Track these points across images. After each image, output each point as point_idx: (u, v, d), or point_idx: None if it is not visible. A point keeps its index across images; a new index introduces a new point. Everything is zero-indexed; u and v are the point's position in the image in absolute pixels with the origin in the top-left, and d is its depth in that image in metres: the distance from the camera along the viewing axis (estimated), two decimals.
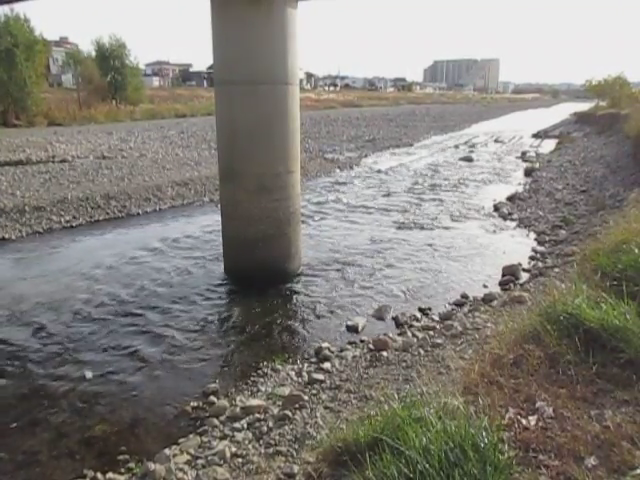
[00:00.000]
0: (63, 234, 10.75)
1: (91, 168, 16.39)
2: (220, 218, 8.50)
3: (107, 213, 12.14)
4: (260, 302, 7.26)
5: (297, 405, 4.49)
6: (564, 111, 58.44)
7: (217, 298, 7.57)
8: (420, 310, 6.99)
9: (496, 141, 30.87)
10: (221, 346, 6.14)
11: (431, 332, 6.06)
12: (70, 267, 8.78)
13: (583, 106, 48.35)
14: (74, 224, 11.32)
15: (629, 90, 32.91)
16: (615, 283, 3.64)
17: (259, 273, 7.78)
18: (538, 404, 2.54)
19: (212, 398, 4.89)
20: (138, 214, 12.35)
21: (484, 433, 2.20)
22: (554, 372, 2.58)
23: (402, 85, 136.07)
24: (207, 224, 11.35)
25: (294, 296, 7.64)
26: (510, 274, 8.12)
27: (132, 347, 6.05)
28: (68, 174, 15.43)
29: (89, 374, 5.41)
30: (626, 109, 23.61)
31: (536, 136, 33.15)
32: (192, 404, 4.84)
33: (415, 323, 6.53)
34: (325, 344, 5.94)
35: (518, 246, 9.89)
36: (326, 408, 4.34)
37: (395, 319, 6.71)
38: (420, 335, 6.00)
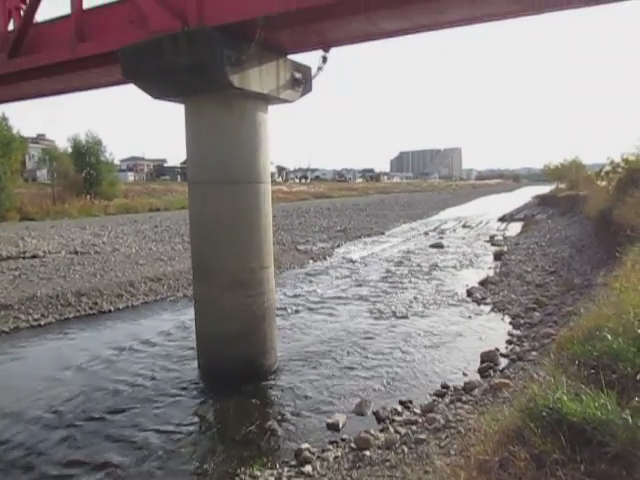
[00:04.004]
0: (31, 334, 10.40)
1: (63, 264, 16.22)
2: (194, 314, 8.37)
3: (78, 310, 11.84)
4: (236, 401, 7.01)
5: None
6: (526, 194, 61.08)
7: (191, 398, 7.29)
8: (401, 403, 6.83)
9: (464, 226, 31.81)
10: (196, 452, 5.83)
11: (414, 427, 5.90)
12: (35, 370, 8.42)
13: (544, 189, 50.62)
14: (43, 323, 10.99)
15: (585, 172, 34.64)
16: (593, 372, 3.65)
17: (234, 370, 7.57)
18: None
19: None
20: (110, 311, 12.08)
21: None
22: (542, 475, 2.50)
23: (370, 176, 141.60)
24: (180, 320, 11.14)
25: (271, 394, 7.40)
26: (489, 360, 8.09)
27: (101, 457, 5.70)
28: (39, 270, 15.23)
29: None
30: (584, 190, 24.71)
31: (502, 220, 34.33)
32: None
33: (397, 417, 6.36)
34: (305, 445, 5.71)
35: (494, 331, 9.93)
36: None
37: (376, 414, 6.52)
38: (402, 431, 5.83)
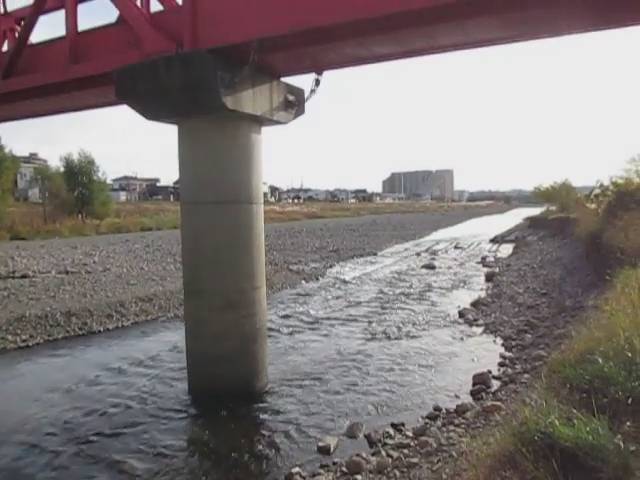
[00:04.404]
0: (18, 355, 10.25)
1: (52, 284, 16.08)
2: (184, 335, 8.30)
3: (67, 331, 11.69)
4: (226, 424, 6.91)
5: None
6: (517, 216, 61.42)
7: (181, 420, 7.18)
8: (393, 426, 6.75)
9: (456, 247, 31.88)
10: (186, 475, 5.72)
11: (406, 450, 5.85)
12: (21, 391, 8.28)
13: (534, 211, 50.97)
14: (31, 344, 10.83)
15: (575, 195, 34.85)
16: (584, 395, 3.64)
17: (225, 392, 7.48)
18: None
19: None
20: (100, 331, 11.93)
21: None
22: None
23: (363, 196, 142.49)
24: (171, 341, 11.02)
25: (262, 416, 7.31)
26: (481, 383, 8.06)
27: None
28: (28, 290, 15.09)
29: None
30: (574, 213, 24.89)
31: (494, 241, 34.46)
32: None
33: (389, 441, 6.29)
34: (296, 469, 5.62)
35: (486, 352, 9.90)
36: None
37: (368, 437, 6.44)
38: (395, 454, 5.77)
